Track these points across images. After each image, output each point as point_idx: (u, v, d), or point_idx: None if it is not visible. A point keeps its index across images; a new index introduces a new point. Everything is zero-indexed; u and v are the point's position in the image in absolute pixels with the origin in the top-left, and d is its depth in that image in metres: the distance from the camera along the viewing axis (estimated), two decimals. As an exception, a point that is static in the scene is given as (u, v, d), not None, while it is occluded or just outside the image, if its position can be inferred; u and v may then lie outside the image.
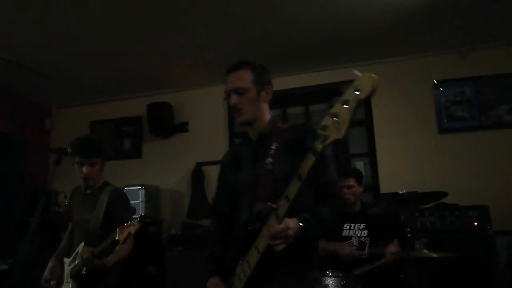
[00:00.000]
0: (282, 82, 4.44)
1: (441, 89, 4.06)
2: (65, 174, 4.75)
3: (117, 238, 2.12)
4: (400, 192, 2.63)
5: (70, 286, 2.29)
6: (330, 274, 2.28)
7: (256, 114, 1.71)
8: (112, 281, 2.42)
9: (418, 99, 4.10)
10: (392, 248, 2.73)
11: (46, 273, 2.47)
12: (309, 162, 1.37)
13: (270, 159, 1.60)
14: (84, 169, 2.49)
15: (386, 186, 3.98)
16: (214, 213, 1.90)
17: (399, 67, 4.18)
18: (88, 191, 2.56)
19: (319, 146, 1.34)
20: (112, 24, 3.39)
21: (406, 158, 4.02)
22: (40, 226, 2.18)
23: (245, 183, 1.68)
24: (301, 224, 1.43)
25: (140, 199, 4.22)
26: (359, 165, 4.31)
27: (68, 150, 2.22)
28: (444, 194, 2.58)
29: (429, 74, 4.09)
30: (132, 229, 2.14)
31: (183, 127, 4.85)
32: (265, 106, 1.75)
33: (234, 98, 1.68)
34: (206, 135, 4.66)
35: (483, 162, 3.75)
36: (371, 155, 4.33)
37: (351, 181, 2.93)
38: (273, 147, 1.62)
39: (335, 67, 4.33)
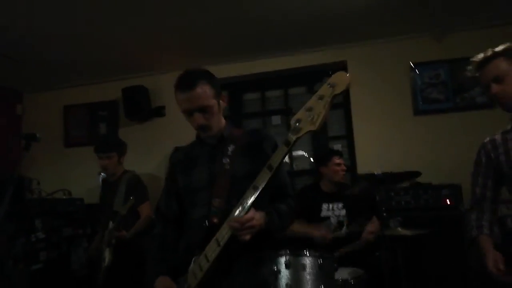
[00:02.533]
0: (261, 65, 4.42)
1: (417, 71, 4.10)
2: (39, 161, 4.70)
3: (121, 212, 2.84)
4: (376, 173, 2.68)
5: (107, 250, 2.88)
6: (307, 254, 2.30)
7: (220, 123, 1.75)
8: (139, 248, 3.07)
9: (395, 82, 4.15)
10: (371, 227, 2.79)
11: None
12: (280, 153, 1.43)
13: (227, 159, 1.61)
14: (101, 162, 3.27)
15: (363, 167, 4.04)
16: (160, 217, 1.83)
17: (376, 50, 4.20)
18: (110, 179, 3.30)
19: (292, 137, 1.41)
20: (83, 3, 3.26)
21: (383, 139, 4.09)
22: (11, 214, 2.23)
23: (201, 183, 1.68)
24: (266, 216, 1.45)
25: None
26: (337, 147, 4.36)
27: (37, 136, 2.17)
28: (417, 174, 2.64)
29: (405, 56, 4.13)
30: (129, 205, 2.84)
31: (160, 111, 4.77)
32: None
33: (200, 119, 1.67)
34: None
35: (457, 142, 3.84)
36: (348, 137, 4.38)
37: (342, 160, 3.19)
38: (230, 148, 1.64)
39: (314, 50, 4.32)
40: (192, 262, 1.48)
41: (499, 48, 1.95)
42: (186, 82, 1.66)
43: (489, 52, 1.96)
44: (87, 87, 5.02)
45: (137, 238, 3.05)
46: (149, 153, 4.68)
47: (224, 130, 1.77)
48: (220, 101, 1.74)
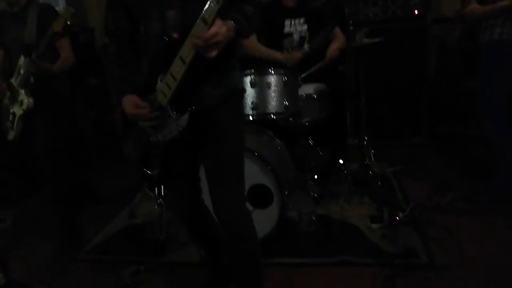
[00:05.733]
0: None
1: None
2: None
3: (54, 29, 2.10)
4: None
5: (23, 93, 2.27)
6: (272, 72, 2.29)
7: None
8: (63, 89, 2.51)
9: None
10: (336, 43, 2.74)
11: None
12: None
13: None
14: None
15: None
16: (111, 35, 1.61)
17: None
18: (15, 9, 2.40)
19: None
20: None
21: None
22: None
23: None
24: (235, 26, 1.29)
25: (61, 5, 3.80)
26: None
27: None
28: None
29: None
30: (68, 17, 2.09)
31: None
32: None
33: None
34: None
35: None
36: None
37: None
38: None
39: None
40: (159, 81, 1.42)
41: None
42: None
43: None
44: None
45: (56, 81, 2.44)
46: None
47: None
48: None
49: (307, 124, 2.59)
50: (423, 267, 1.93)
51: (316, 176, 2.75)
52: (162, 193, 2.46)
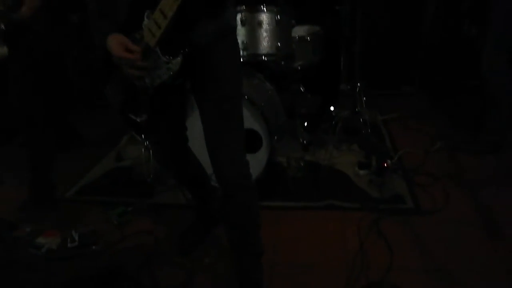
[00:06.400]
0: None
1: None
2: None
3: None
4: None
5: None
6: (264, 9, 2.16)
7: None
8: (40, 27, 2.24)
9: None
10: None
11: None
12: None
13: None
14: None
15: None
16: None
17: None
18: None
19: None
20: None
21: None
22: None
23: None
24: None
25: None
26: None
27: None
28: None
29: None
30: None
31: None
32: None
33: None
34: None
35: None
36: None
37: None
38: None
39: None
40: (146, 17, 1.28)
41: None
42: None
43: None
44: None
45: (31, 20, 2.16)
46: None
47: None
48: None
49: (299, 68, 2.51)
50: (409, 212, 1.96)
51: (306, 123, 2.72)
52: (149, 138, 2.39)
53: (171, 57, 1.23)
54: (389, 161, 2.28)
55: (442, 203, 1.98)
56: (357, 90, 2.74)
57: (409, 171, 2.29)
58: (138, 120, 1.40)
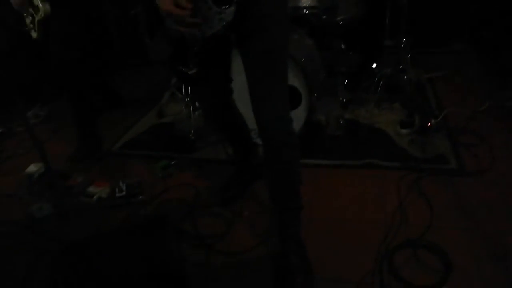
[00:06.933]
0: None
1: None
2: None
3: None
4: None
5: None
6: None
7: None
8: None
9: None
10: None
11: None
12: None
13: None
14: None
15: None
16: None
17: None
18: None
19: None
20: None
21: None
22: None
23: None
24: None
25: None
26: None
27: None
28: None
29: None
30: None
31: None
32: None
33: None
34: None
35: None
36: None
37: None
38: None
39: None
40: None
41: None
42: None
43: None
44: None
45: None
46: None
47: None
48: None
49: (341, 23, 2.41)
50: (452, 172, 1.91)
51: (346, 81, 2.65)
52: (191, 93, 2.41)
53: (224, 7, 1.20)
54: (433, 120, 2.21)
55: (487, 165, 1.91)
56: (402, 46, 2.61)
57: (453, 131, 2.21)
58: (189, 72, 1.39)
